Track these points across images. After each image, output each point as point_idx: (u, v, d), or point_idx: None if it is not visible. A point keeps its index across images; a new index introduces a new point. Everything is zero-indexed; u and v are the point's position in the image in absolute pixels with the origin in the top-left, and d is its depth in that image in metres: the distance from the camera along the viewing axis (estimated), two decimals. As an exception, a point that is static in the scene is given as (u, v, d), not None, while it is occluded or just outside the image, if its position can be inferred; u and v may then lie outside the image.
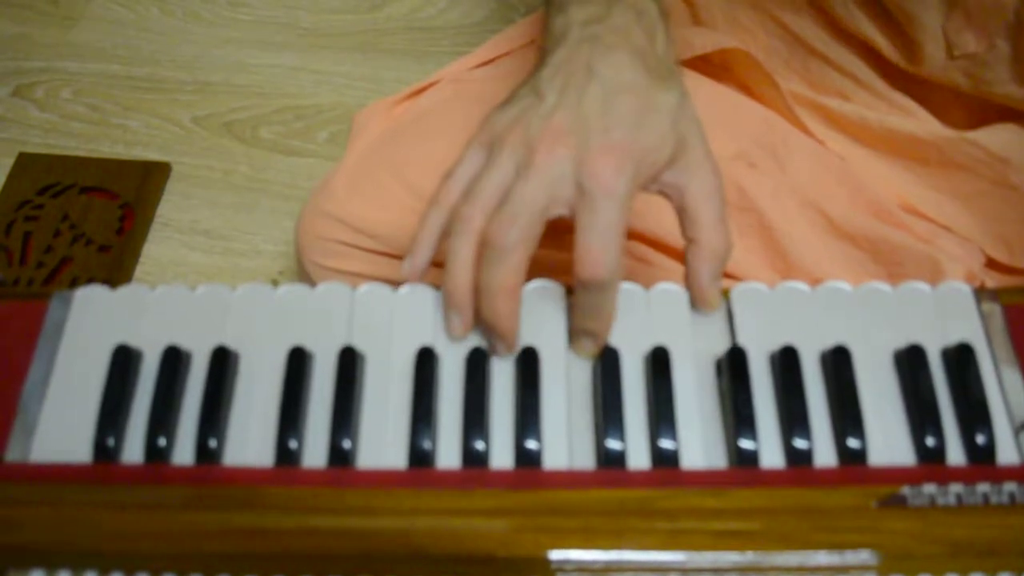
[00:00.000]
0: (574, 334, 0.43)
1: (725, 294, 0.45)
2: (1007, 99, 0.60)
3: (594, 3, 0.47)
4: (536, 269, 0.43)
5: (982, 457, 0.39)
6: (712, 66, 0.70)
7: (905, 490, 0.37)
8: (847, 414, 0.40)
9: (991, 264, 0.63)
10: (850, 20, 0.63)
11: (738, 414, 0.40)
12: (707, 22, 0.72)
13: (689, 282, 0.44)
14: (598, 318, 0.42)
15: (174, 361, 0.42)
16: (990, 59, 0.58)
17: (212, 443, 0.40)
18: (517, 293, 0.42)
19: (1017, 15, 0.55)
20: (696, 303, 0.44)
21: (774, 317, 0.44)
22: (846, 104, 0.66)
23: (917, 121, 0.64)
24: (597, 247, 0.40)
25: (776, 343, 0.42)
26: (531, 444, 0.40)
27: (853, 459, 0.39)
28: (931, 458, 0.39)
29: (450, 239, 0.43)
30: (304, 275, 0.74)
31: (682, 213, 0.44)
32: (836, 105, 0.66)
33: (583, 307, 0.42)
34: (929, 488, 0.37)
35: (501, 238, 0.41)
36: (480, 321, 0.43)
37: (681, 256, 0.62)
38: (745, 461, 0.39)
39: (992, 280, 0.63)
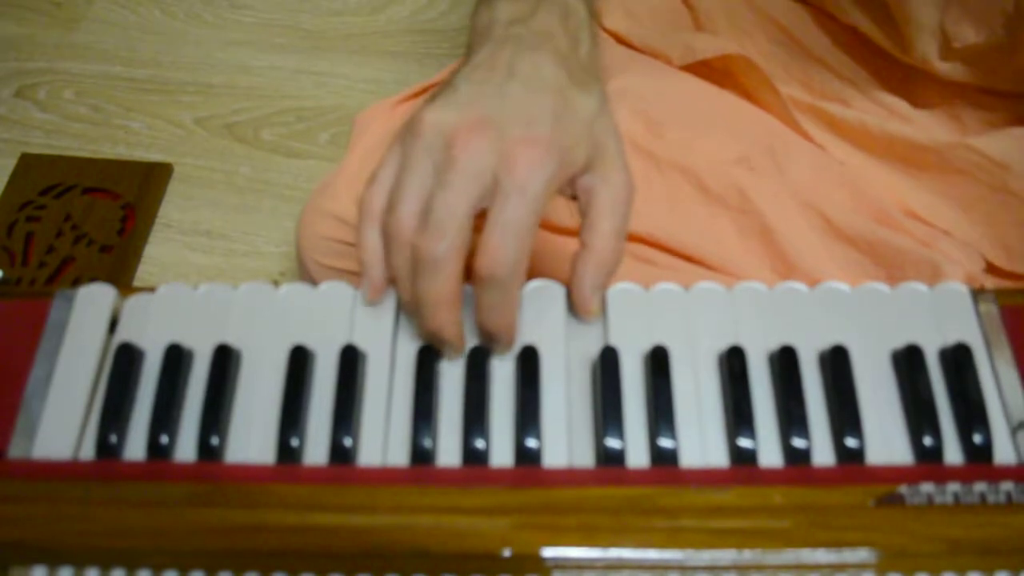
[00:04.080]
0: (480, 333, 0.43)
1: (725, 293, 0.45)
2: (1004, 94, 0.60)
3: (521, 0, 0.46)
4: None
5: (979, 457, 0.39)
6: (713, 71, 0.70)
7: (903, 489, 0.38)
8: (845, 413, 0.40)
9: (990, 269, 0.63)
10: (847, 19, 0.63)
11: (737, 413, 0.40)
12: (709, 27, 0.72)
13: (572, 286, 0.44)
14: (497, 316, 0.41)
15: (176, 359, 0.42)
16: (989, 50, 0.58)
17: (214, 440, 0.40)
18: (458, 301, 0.41)
19: (1016, 5, 0.55)
20: (576, 309, 0.44)
21: (773, 317, 0.44)
22: (847, 110, 0.66)
23: (916, 127, 0.65)
24: (497, 243, 0.39)
25: (775, 343, 0.42)
26: (531, 442, 0.40)
27: (851, 458, 0.39)
28: (929, 457, 0.39)
29: (388, 256, 0.42)
30: (305, 275, 0.74)
31: (584, 217, 0.43)
32: (837, 111, 0.66)
33: (481, 303, 0.41)
34: (927, 487, 0.38)
35: (432, 252, 0.40)
36: (424, 331, 0.42)
37: (683, 255, 0.62)
38: (744, 460, 0.39)
39: (992, 284, 0.63)
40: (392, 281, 0.43)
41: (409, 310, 0.43)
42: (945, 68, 0.61)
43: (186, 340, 0.43)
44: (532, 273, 0.43)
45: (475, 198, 0.40)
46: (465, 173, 0.40)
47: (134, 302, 0.45)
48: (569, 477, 0.39)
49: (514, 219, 0.40)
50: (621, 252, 0.43)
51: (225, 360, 0.42)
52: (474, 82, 0.43)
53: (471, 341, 0.43)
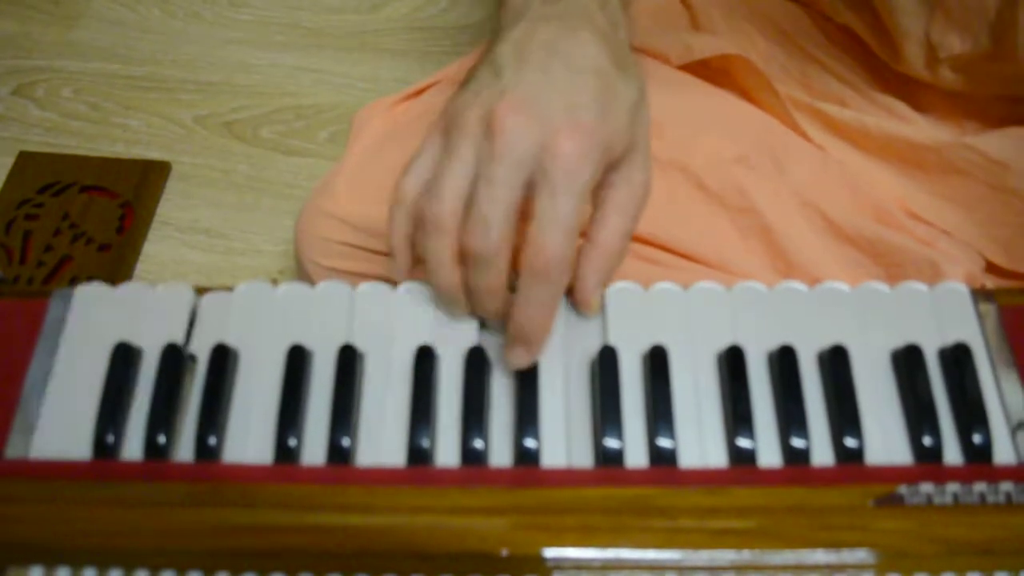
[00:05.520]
0: (508, 336, 0.41)
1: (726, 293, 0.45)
2: (999, 97, 0.61)
3: None
4: None
5: (979, 457, 0.39)
6: (711, 71, 0.70)
7: (902, 489, 0.38)
8: (844, 413, 0.40)
9: (990, 268, 0.63)
10: (842, 19, 0.63)
11: (736, 413, 0.40)
12: (707, 27, 0.72)
13: (575, 281, 0.43)
14: (537, 311, 0.40)
15: (174, 358, 0.42)
16: (975, 59, 0.58)
17: (211, 440, 0.40)
18: (507, 287, 0.41)
19: (999, 14, 0.55)
20: (577, 305, 0.43)
21: (773, 316, 0.44)
22: (845, 110, 0.66)
23: (915, 127, 0.65)
24: (553, 240, 0.38)
25: (774, 342, 0.42)
26: (529, 442, 0.40)
27: (850, 458, 0.39)
28: (928, 457, 0.39)
29: (424, 241, 0.41)
30: (304, 275, 0.74)
31: (596, 210, 0.43)
32: (835, 111, 0.66)
33: (525, 298, 0.40)
34: (926, 487, 0.38)
35: (482, 248, 0.39)
36: (472, 313, 0.43)
37: (683, 254, 0.62)
38: (743, 460, 0.39)
39: (992, 283, 0.63)
40: (420, 265, 0.43)
41: (441, 298, 0.43)
42: (934, 76, 0.61)
43: (184, 339, 0.43)
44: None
45: (519, 188, 0.39)
46: (508, 163, 0.39)
47: (133, 301, 0.45)
48: (568, 477, 0.39)
49: (564, 215, 0.39)
50: (625, 251, 0.43)
51: (223, 359, 0.42)
52: (514, 64, 0.41)
53: (471, 342, 0.43)
